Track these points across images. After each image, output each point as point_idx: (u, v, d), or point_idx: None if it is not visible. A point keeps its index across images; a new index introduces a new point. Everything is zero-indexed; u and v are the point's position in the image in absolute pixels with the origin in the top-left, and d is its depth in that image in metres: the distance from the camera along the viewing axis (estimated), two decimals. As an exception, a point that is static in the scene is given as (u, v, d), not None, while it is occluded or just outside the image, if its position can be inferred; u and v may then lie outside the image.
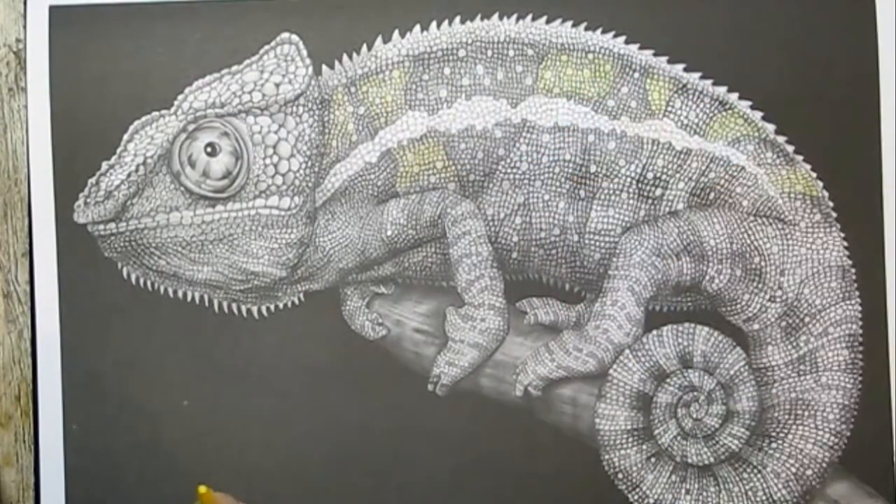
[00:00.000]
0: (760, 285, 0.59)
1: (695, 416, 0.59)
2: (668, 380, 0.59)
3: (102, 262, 0.59)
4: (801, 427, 0.58)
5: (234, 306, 0.60)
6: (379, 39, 0.60)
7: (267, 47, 0.59)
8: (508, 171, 0.59)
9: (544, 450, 0.59)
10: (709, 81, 0.60)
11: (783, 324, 0.59)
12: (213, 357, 0.60)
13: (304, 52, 0.59)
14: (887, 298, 0.60)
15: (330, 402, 0.60)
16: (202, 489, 0.48)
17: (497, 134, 0.59)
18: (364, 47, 0.60)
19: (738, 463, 0.59)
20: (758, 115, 0.60)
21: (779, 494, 0.58)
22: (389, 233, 0.59)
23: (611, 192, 0.59)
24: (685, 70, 0.60)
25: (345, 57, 0.60)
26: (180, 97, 0.59)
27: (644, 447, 0.59)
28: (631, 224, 0.59)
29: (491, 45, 0.60)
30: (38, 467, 0.60)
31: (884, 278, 0.60)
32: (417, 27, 0.60)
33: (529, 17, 0.60)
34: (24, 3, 0.60)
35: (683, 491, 0.59)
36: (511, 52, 0.60)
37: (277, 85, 0.58)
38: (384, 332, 0.61)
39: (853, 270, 0.60)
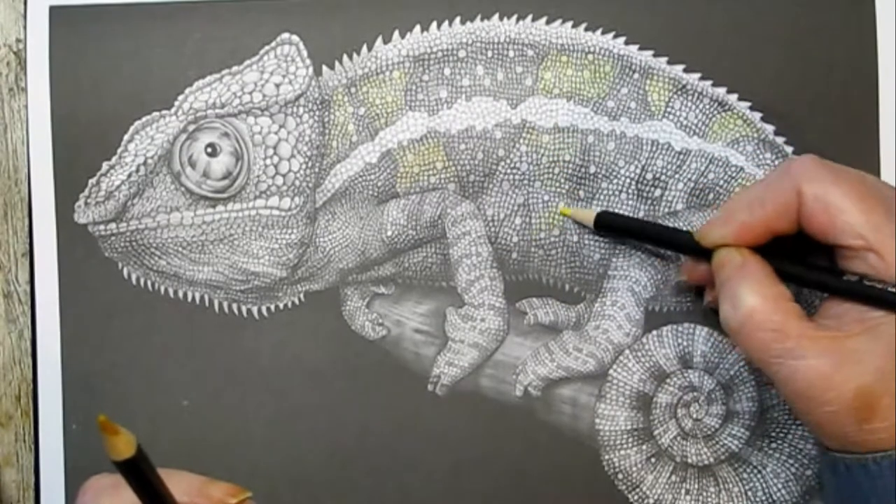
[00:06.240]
0: (760, 285, 0.59)
1: (695, 416, 0.59)
2: (667, 380, 0.59)
3: (103, 262, 0.59)
4: (801, 427, 0.58)
5: (234, 306, 0.60)
6: (379, 40, 0.60)
7: (267, 47, 0.59)
8: (508, 171, 0.59)
9: (544, 450, 0.59)
10: (708, 82, 0.60)
11: (783, 324, 0.59)
12: (213, 357, 0.60)
13: (305, 53, 0.59)
14: (886, 299, 0.60)
15: (330, 402, 0.60)
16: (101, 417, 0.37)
17: (497, 135, 0.59)
18: (364, 47, 0.60)
19: (738, 463, 0.59)
20: (757, 115, 0.60)
21: (779, 494, 0.58)
22: (390, 233, 0.59)
23: (610, 192, 0.59)
24: (685, 70, 0.60)
25: (345, 57, 0.60)
26: (180, 97, 0.59)
27: (644, 447, 0.59)
28: (631, 224, 0.59)
29: (491, 45, 0.60)
30: (38, 467, 0.60)
31: (883, 278, 0.60)
32: (417, 27, 0.60)
33: (529, 17, 0.60)
34: (24, 3, 0.60)
35: (683, 491, 0.59)
36: (511, 53, 0.60)
37: (278, 85, 0.58)
38: (384, 332, 0.60)
39: (852, 270, 0.60)
